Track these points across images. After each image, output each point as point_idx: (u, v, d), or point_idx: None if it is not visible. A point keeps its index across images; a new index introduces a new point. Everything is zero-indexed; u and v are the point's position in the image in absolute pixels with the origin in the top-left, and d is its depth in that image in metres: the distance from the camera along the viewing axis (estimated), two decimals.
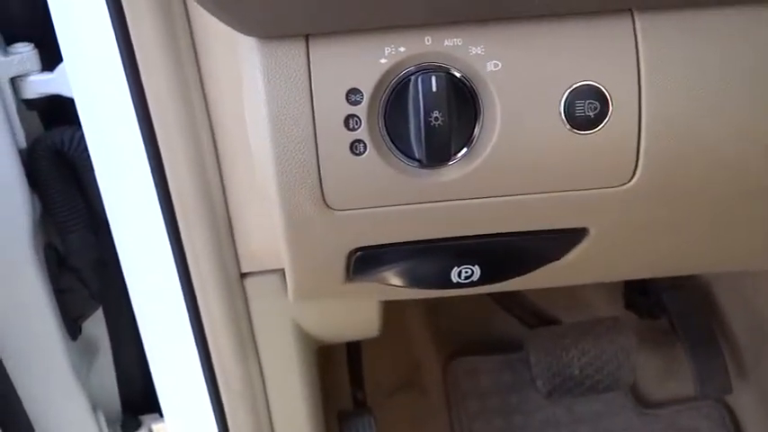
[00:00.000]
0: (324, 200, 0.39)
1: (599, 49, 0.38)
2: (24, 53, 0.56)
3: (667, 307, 1.04)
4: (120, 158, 0.51)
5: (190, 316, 0.58)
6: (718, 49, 0.38)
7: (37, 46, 0.56)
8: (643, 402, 1.07)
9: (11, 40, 0.57)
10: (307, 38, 0.37)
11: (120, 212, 0.54)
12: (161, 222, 0.53)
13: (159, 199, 0.51)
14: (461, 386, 1.07)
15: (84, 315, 0.76)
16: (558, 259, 0.46)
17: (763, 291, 0.95)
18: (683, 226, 0.44)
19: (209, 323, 0.57)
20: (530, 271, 0.46)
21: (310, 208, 0.39)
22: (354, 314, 0.66)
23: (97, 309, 0.78)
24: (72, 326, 0.74)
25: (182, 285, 0.56)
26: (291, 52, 0.37)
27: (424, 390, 1.06)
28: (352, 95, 0.37)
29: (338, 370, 0.93)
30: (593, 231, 0.44)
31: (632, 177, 0.40)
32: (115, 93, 0.48)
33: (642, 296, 1.07)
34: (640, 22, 0.38)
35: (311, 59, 0.37)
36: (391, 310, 0.66)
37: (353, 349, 0.92)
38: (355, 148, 0.38)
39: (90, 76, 0.49)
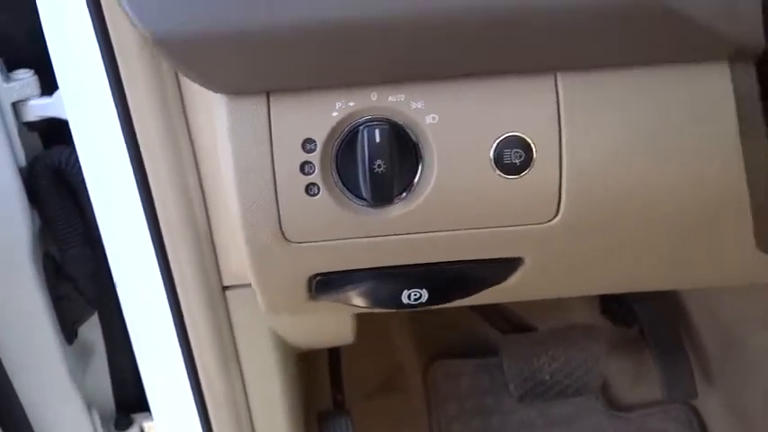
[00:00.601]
0: (283, 234, 0.44)
1: (525, 104, 0.43)
2: (25, 79, 0.61)
3: (639, 316, 1.08)
4: (110, 181, 0.56)
5: (176, 325, 0.63)
6: (628, 105, 0.43)
7: (38, 70, 0.61)
8: (614, 405, 1.11)
9: (13, 64, 0.61)
10: (268, 94, 0.42)
11: (111, 231, 0.59)
12: (149, 241, 0.58)
13: (147, 220, 0.56)
14: (441, 389, 1.10)
15: (80, 321, 0.80)
16: (500, 283, 0.51)
17: (727, 303, 1.00)
18: (609, 253, 0.49)
19: (193, 331, 0.62)
20: (475, 293, 0.51)
21: (271, 241, 0.44)
22: (329, 324, 0.71)
23: (92, 314, 0.82)
24: (68, 331, 0.78)
25: (168, 297, 0.61)
26: (254, 106, 0.42)
27: (405, 392, 1.10)
28: (307, 144, 0.43)
29: (321, 372, 0.98)
30: (528, 260, 0.49)
31: (556, 215, 0.45)
32: (106, 119, 0.52)
33: (616, 304, 1.11)
34: (562, 80, 0.43)
35: (271, 112, 0.42)
36: (372, 315, 0.71)
37: (334, 352, 0.97)
38: (310, 190, 0.43)
39: (84, 103, 0.53)
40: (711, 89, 0.43)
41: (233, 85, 0.41)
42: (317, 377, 0.95)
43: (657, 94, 0.43)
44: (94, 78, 0.51)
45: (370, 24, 0.39)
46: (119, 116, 0.51)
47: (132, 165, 0.53)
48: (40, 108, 0.63)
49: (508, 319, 1.09)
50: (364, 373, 1.05)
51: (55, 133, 0.65)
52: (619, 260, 0.50)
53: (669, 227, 0.46)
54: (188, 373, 0.66)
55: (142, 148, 0.52)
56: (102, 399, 0.87)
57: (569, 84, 0.43)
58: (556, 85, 0.43)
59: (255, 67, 0.40)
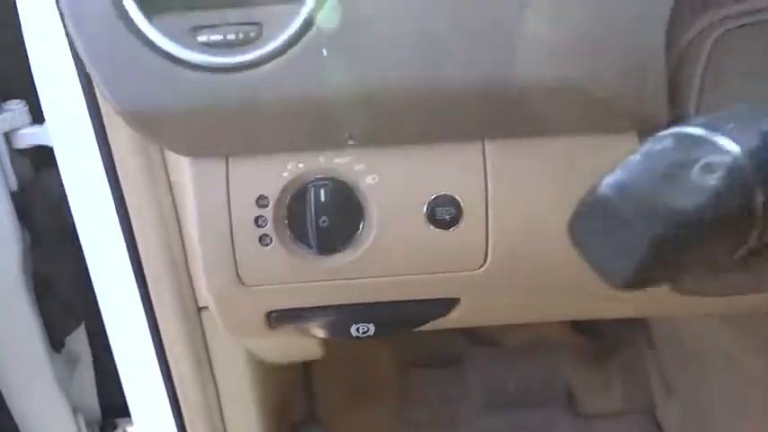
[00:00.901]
0: (240, 279, 0.50)
1: (455, 167, 0.48)
2: (16, 110, 0.65)
3: (604, 329, 1.14)
4: (93, 210, 0.61)
5: (153, 341, 0.68)
6: (547, 169, 0.48)
7: (29, 100, 0.65)
8: (579, 414, 1.16)
9: (6, 93, 0.66)
10: (227, 156, 0.48)
11: (94, 254, 0.63)
12: (129, 265, 0.64)
13: (127, 246, 0.61)
14: (413, 397, 1.15)
15: (67, 332, 0.85)
16: (442, 317, 0.57)
17: (684, 319, 1.05)
18: (532, 292, 0.54)
19: (169, 347, 0.67)
20: (419, 326, 0.57)
21: (229, 285, 0.50)
22: (297, 342, 0.76)
23: (79, 326, 0.87)
24: (56, 341, 0.83)
25: (147, 316, 0.66)
26: (214, 167, 0.48)
27: (378, 401, 1.14)
28: (261, 200, 0.48)
29: (295, 383, 1.03)
30: (463, 300, 0.54)
31: (484, 263, 0.51)
32: (89, 152, 0.57)
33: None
34: (489, 146, 0.48)
35: (230, 173, 0.48)
36: None
37: (307, 363, 1.02)
38: (263, 240, 0.49)
39: (68, 134, 0.58)
40: (623, 157, 0.48)
41: (193, 152, 0.47)
42: (291, 388, 0.99)
43: (572, 160, 0.48)
44: (78, 114, 0.55)
45: (316, 104, 0.44)
46: (101, 154, 0.56)
47: (113, 195, 0.58)
48: (30, 136, 0.68)
49: (479, 333, 1.14)
50: (339, 382, 1.10)
51: (47, 158, 0.68)
52: (541, 297, 0.55)
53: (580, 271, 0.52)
54: (165, 384, 0.71)
55: (122, 181, 0.56)
56: (88, 404, 0.92)
57: (495, 150, 0.48)
58: (483, 151, 0.48)
59: (212, 139, 0.45)
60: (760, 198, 0.24)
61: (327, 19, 0.43)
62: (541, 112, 0.46)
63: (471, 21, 0.42)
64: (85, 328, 0.90)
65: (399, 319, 0.56)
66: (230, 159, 0.48)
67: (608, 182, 0.26)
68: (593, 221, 0.26)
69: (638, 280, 0.25)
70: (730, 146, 0.25)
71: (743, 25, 0.44)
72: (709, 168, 0.25)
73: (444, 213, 0.48)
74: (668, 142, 0.27)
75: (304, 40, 0.43)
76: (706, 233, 0.25)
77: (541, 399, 1.08)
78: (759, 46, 0.44)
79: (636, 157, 0.28)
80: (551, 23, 0.43)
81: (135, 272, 0.63)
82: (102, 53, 0.42)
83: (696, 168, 0.25)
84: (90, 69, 0.43)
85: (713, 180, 0.25)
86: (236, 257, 0.49)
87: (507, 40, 0.43)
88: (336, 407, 1.08)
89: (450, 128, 0.47)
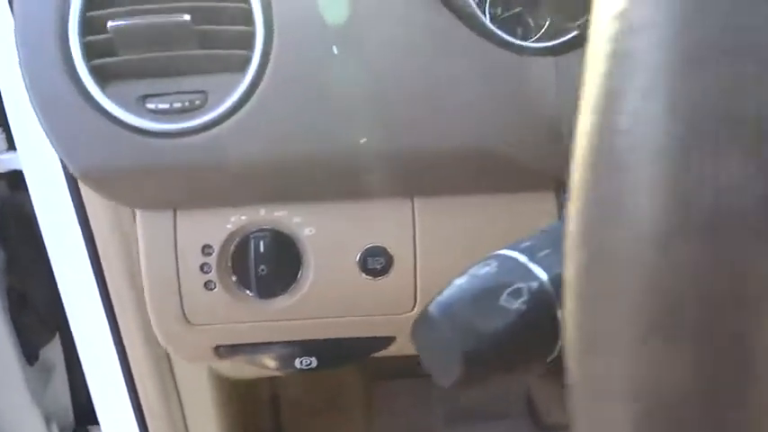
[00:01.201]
0: (186, 319, 0.54)
1: (386, 221, 0.53)
2: None
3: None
4: (61, 232, 0.64)
5: (120, 358, 0.72)
6: (470, 224, 0.53)
7: (6, 128, 0.70)
8: (540, 426, 1.20)
9: None
10: (174, 209, 0.52)
11: (63, 273, 0.68)
12: (95, 287, 0.68)
13: (93, 269, 0.65)
14: (379, 409, 1.19)
15: (41, 344, 0.89)
16: (380, 351, 0.61)
17: None
18: None
19: (135, 363, 0.72)
20: (360, 360, 0.61)
21: (176, 324, 0.54)
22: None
23: (53, 338, 0.91)
24: (30, 354, 0.87)
25: (112, 333, 0.70)
26: (163, 219, 0.52)
27: (345, 412, 1.18)
28: (206, 249, 0.52)
29: (261, 395, 1.06)
30: (399, 338, 0.59)
31: (414, 307, 0.55)
32: (56, 174, 0.61)
33: None
34: (417, 202, 0.53)
35: (177, 223, 0.52)
36: None
37: (271, 377, 1.05)
38: (208, 285, 0.53)
39: (38, 161, 0.62)
40: (540, 213, 0.53)
41: (142, 206, 0.51)
42: (256, 401, 1.03)
43: (492, 216, 0.53)
44: (46, 142, 0.59)
45: (257, 166, 0.48)
46: (67, 181, 0.60)
47: (78, 220, 0.62)
48: (6, 162, 0.72)
49: None
50: (307, 392, 1.13)
51: (22, 179, 0.73)
52: None
53: None
54: (130, 397, 0.76)
55: (87, 207, 0.60)
56: (61, 412, 0.96)
57: (423, 206, 0.53)
58: (412, 206, 0.53)
59: (160, 195, 0.49)
60: (561, 316, 0.29)
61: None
62: (461, 175, 0.50)
63: (392, 93, 0.47)
64: (60, 338, 0.94)
65: (341, 354, 0.60)
66: (178, 212, 0.52)
67: (436, 300, 0.31)
68: (425, 333, 0.31)
69: (461, 384, 0.30)
70: (540, 273, 0.30)
71: None
72: (517, 294, 0.29)
73: (376, 263, 0.53)
74: (492, 265, 0.31)
75: (247, 106, 0.47)
76: (512, 349, 0.29)
77: (503, 410, 1.12)
78: None
79: (462, 279, 0.32)
80: (467, 97, 0.47)
81: (101, 292, 0.67)
82: (57, 118, 0.46)
83: (505, 294, 0.29)
84: (46, 132, 0.47)
85: (518, 304, 0.29)
86: (183, 300, 0.53)
87: (426, 112, 0.47)
88: (302, 420, 1.11)
89: (380, 186, 0.51)
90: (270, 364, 0.60)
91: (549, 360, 0.31)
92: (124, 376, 0.74)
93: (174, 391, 0.75)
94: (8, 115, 0.63)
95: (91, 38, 0.46)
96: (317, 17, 0.47)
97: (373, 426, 1.16)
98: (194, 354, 0.59)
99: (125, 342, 0.69)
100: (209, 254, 0.52)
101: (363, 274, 0.53)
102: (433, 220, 0.53)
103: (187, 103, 0.47)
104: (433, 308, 0.30)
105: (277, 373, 0.62)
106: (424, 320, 0.30)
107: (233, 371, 0.79)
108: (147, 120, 0.47)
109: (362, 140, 0.47)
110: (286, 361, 0.59)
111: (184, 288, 0.53)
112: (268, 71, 0.47)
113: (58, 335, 0.95)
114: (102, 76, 0.46)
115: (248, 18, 0.47)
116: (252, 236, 0.52)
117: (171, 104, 0.47)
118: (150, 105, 0.47)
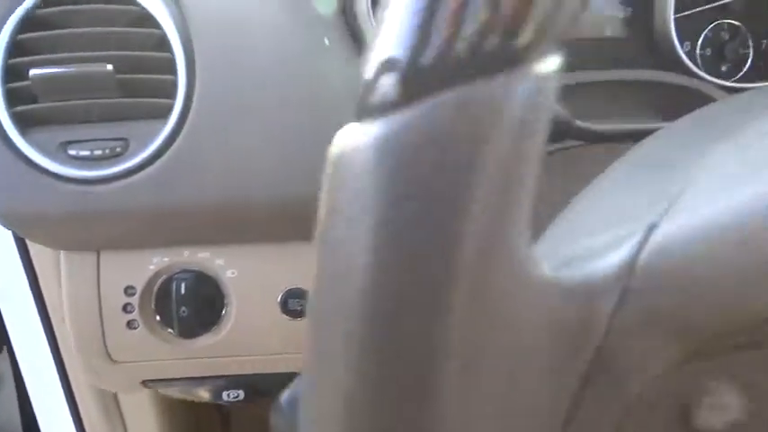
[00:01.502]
0: (109, 356, 0.55)
1: (305, 263, 0.54)
2: None
3: None
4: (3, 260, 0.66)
5: (61, 379, 0.73)
6: None
7: None
8: None
9: None
10: (98, 250, 0.53)
11: (3, 297, 0.69)
12: (36, 312, 0.68)
13: (34, 297, 0.66)
14: None
15: None
16: None
17: None
18: None
19: (77, 389, 0.73)
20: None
21: (101, 362, 0.55)
22: None
23: (2, 350, 0.91)
24: None
25: (53, 356, 0.71)
26: (85, 260, 0.53)
27: None
28: (129, 290, 0.54)
29: (211, 416, 1.07)
30: None
31: None
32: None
33: None
34: None
35: (100, 264, 0.53)
36: None
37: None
38: (131, 324, 0.54)
39: None
40: None
41: (65, 248, 0.52)
42: (207, 423, 1.04)
43: None
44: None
45: (177, 212, 0.49)
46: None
47: (16, 244, 0.63)
48: None
49: None
50: (256, 415, 1.14)
51: None
52: None
53: None
54: (73, 420, 0.76)
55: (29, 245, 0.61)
56: (11, 422, 0.96)
57: None
58: None
59: (82, 238, 0.50)
60: None
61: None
62: None
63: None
64: (8, 351, 0.94)
65: (266, 387, 0.62)
66: (101, 253, 0.53)
67: (288, 392, 0.32)
68: (278, 415, 0.32)
69: None
70: None
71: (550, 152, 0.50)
72: None
73: (296, 304, 0.54)
74: None
75: (167, 154, 0.48)
76: None
77: None
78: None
79: None
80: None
81: (40, 313, 0.68)
82: None
83: None
84: None
85: None
86: (106, 339, 0.54)
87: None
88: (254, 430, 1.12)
89: (296, 229, 0.53)
90: (203, 395, 0.61)
91: None
92: (65, 393, 0.74)
93: (116, 411, 0.76)
94: None
95: (12, 85, 0.47)
96: (241, 66, 0.49)
97: None
98: (121, 387, 0.60)
99: (66, 366, 0.70)
100: (132, 294, 0.53)
101: (284, 315, 0.55)
102: None
103: (108, 151, 0.48)
104: (283, 397, 0.31)
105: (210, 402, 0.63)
106: (275, 406, 0.32)
107: (177, 394, 0.81)
108: (68, 166, 0.48)
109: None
110: (214, 393, 0.61)
111: (107, 327, 0.54)
112: (189, 119, 0.48)
113: (5, 348, 0.95)
114: (23, 123, 0.47)
115: (171, 67, 0.48)
116: (175, 277, 0.53)
117: (92, 151, 0.48)
118: (71, 152, 0.48)
